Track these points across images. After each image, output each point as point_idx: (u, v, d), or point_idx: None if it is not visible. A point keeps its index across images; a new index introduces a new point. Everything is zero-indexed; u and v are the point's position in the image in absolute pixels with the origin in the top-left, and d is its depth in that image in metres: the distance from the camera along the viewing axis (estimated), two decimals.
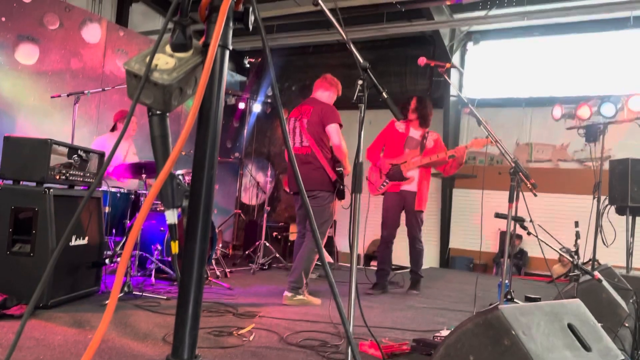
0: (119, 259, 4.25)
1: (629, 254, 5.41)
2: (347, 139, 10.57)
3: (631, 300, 3.72)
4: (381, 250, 5.38)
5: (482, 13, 8.42)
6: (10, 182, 3.40)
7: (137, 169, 4.73)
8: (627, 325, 3.38)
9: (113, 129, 5.70)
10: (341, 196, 4.34)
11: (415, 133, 5.31)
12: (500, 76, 9.29)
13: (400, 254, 8.01)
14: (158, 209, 4.94)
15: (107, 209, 4.48)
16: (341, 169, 4.31)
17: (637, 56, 8.19)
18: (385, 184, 5.21)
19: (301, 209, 4.47)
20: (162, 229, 4.71)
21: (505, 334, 1.62)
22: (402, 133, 5.29)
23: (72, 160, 3.61)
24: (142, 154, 5.86)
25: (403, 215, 5.33)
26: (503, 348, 1.62)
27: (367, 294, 5.06)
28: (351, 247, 2.10)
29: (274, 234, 7.57)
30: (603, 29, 8.47)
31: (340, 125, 4.35)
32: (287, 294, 4.18)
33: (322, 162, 4.27)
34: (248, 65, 10.76)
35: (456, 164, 5.16)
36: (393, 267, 7.59)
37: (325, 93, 4.56)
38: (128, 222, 4.60)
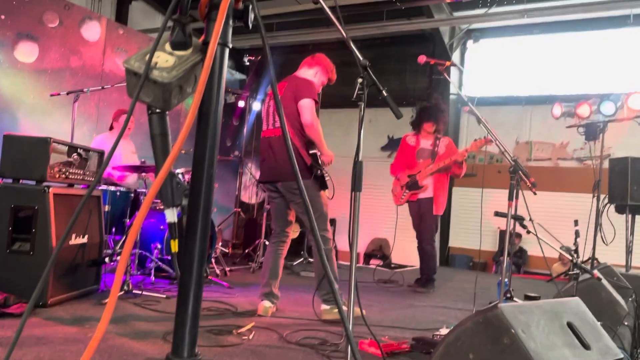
0: (118, 258, 4.25)
1: (629, 252, 5.41)
2: (347, 138, 10.49)
3: (630, 299, 3.73)
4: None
5: (481, 11, 8.42)
6: (10, 180, 3.40)
7: (136, 169, 4.74)
8: (626, 323, 3.38)
9: (111, 128, 5.70)
10: (323, 185, 3.77)
11: (426, 143, 5.53)
12: (500, 74, 9.28)
13: (402, 252, 8.01)
14: (158, 208, 4.93)
15: (106, 208, 4.47)
16: (315, 151, 3.69)
17: (637, 54, 8.19)
18: (405, 194, 5.50)
19: (273, 202, 3.89)
20: (162, 227, 4.71)
21: (505, 332, 1.62)
22: (412, 146, 5.57)
23: (71, 159, 3.61)
24: (141, 152, 5.85)
25: None
26: (503, 346, 1.62)
27: (415, 291, 5.35)
28: (351, 245, 2.10)
29: None
30: (603, 27, 8.47)
31: (317, 102, 3.72)
32: (324, 307, 3.62)
33: (296, 144, 3.66)
34: (248, 64, 10.74)
35: (457, 165, 5.37)
36: (393, 265, 7.62)
37: (310, 71, 3.93)
38: (128, 220, 4.60)
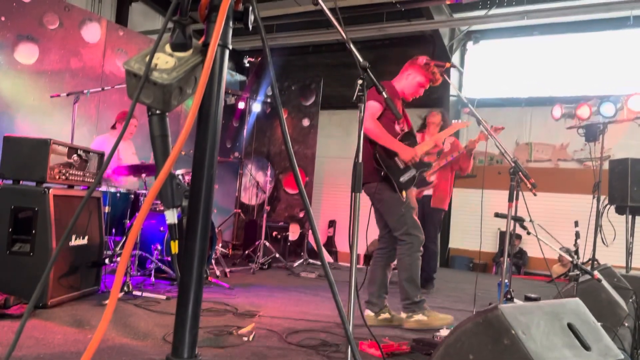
0: (118, 259, 4.25)
1: (629, 253, 5.41)
2: (347, 139, 10.45)
3: (631, 300, 3.72)
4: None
5: (481, 12, 8.42)
6: (10, 181, 3.40)
7: (136, 170, 4.74)
8: (626, 324, 3.38)
9: (113, 127, 5.69)
10: (392, 187, 3.58)
11: None
12: (500, 76, 9.29)
13: None
14: (158, 209, 4.93)
15: (107, 209, 4.48)
16: (376, 153, 3.55)
17: (636, 55, 8.20)
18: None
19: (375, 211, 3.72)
20: (162, 228, 4.71)
21: (505, 333, 1.62)
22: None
23: (71, 160, 3.61)
24: (142, 153, 5.86)
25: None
26: (503, 347, 1.62)
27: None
28: (351, 247, 2.10)
29: (274, 233, 7.57)
30: (603, 28, 8.48)
31: (381, 103, 3.52)
32: (402, 315, 3.63)
33: (368, 147, 3.57)
34: (248, 65, 10.75)
35: (465, 156, 5.37)
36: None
37: (403, 74, 3.85)
38: (128, 221, 4.60)
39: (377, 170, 3.56)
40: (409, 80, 3.80)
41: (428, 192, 5.44)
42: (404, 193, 3.58)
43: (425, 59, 3.77)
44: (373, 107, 3.56)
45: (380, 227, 3.81)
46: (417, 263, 3.60)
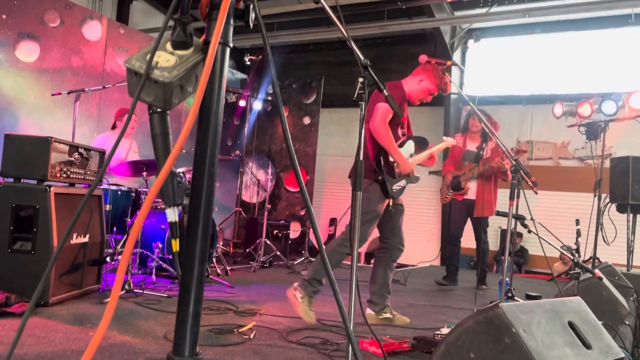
0: (119, 257, 4.25)
1: (630, 251, 5.40)
2: (348, 137, 10.43)
3: (632, 298, 3.73)
4: (449, 248, 5.98)
5: (482, 10, 8.41)
6: (11, 180, 3.40)
7: (137, 167, 4.74)
8: (627, 323, 3.38)
9: (113, 127, 5.70)
10: (384, 192, 3.57)
11: (472, 146, 5.70)
12: (501, 74, 9.28)
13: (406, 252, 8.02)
14: (159, 207, 4.94)
15: (108, 207, 4.47)
16: (380, 158, 3.57)
17: (638, 53, 8.18)
18: (449, 193, 5.72)
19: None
20: (163, 227, 4.72)
21: (506, 331, 1.62)
22: (460, 147, 5.70)
23: (72, 158, 3.62)
24: (143, 151, 5.86)
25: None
26: (503, 346, 1.62)
27: (438, 284, 5.79)
28: (352, 244, 2.10)
29: (275, 231, 7.57)
30: (604, 26, 8.46)
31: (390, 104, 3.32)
32: (369, 311, 3.68)
33: (368, 146, 3.59)
34: (249, 63, 10.77)
35: (497, 171, 5.41)
36: (396, 265, 7.62)
37: (414, 78, 3.81)
38: (129, 220, 4.60)
39: (374, 171, 3.57)
40: (420, 86, 3.77)
41: (468, 196, 5.56)
42: (391, 201, 3.62)
43: (426, 58, 3.76)
44: (386, 110, 3.51)
45: (377, 227, 3.77)
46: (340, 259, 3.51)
